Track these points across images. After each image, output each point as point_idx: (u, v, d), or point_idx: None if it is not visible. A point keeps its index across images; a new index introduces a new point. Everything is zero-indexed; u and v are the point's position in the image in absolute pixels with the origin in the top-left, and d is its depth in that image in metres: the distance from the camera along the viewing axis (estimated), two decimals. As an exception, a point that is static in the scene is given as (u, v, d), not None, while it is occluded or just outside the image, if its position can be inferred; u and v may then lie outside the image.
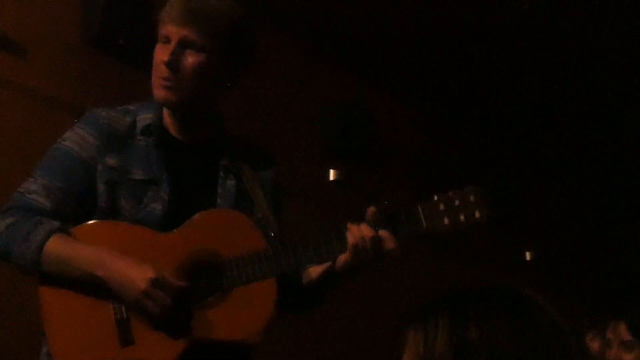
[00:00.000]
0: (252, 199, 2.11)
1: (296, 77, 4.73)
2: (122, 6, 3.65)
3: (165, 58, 2.01)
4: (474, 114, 5.58)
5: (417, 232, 1.97)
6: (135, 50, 3.60)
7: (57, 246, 1.95)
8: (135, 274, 1.90)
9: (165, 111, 2.12)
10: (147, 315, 1.91)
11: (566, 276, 6.03)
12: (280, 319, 2.07)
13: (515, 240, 6.03)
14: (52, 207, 2.01)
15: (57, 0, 3.73)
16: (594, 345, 3.10)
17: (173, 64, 2.00)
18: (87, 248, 1.97)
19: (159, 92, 2.04)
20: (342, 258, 1.97)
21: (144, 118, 2.10)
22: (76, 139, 2.07)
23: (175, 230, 2.00)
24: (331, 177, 4.82)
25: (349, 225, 1.97)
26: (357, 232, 1.94)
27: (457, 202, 1.97)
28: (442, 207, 1.97)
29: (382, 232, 1.95)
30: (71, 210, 2.03)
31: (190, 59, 2.01)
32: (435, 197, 1.98)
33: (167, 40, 2.03)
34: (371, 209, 1.98)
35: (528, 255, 6.15)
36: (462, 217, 1.96)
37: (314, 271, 2.10)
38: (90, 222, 2.02)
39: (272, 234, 2.05)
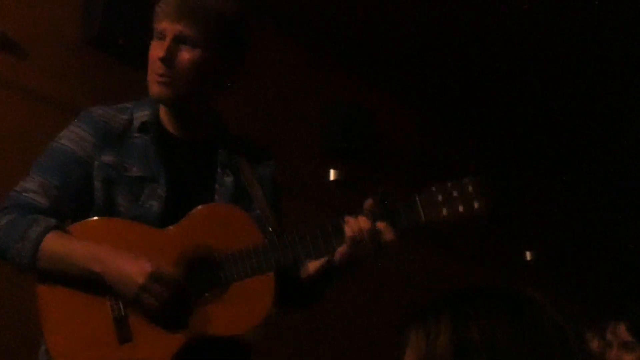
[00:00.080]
0: (250, 195, 2.10)
1: (296, 78, 4.73)
2: (122, 6, 3.66)
3: (161, 54, 2.00)
4: (473, 114, 5.58)
5: (415, 224, 1.96)
6: (135, 50, 3.59)
7: (53, 243, 1.94)
8: (132, 269, 1.89)
9: (161, 108, 2.12)
10: (145, 310, 1.90)
11: (566, 276, 6.03)
12: (280, 318, 2.07)
13: (516, 240, 6.03)
14: (49, 205, 2.00)
15: (57, 0, 3.73)
16: (593, 344, 3.10)
17: (168, 60, 2.00)
18: (83, 244, 1.96)
19: (154, 89, 2.04)
20: (341, 251, 1.96)
21: (141, 115, 2.10)
22: (72, 137, 2.06)
23: (172, 226, 2.00)
24: (331, 177, 4.83)
25: (346, 218, 1.96)
26: (355, 225, 1.93)
27: (455, 193, 1.95)
28: (440, 198, 1.95)
29: (380, 224, 1.94)
30: (68, 208, 2.03)
31: (186, 55, 2.01)
32: (434, 188, 1.96)
33: (162, 36, 2.03)
34: (369, 201, 1.96)
35: (528, 255, 6.16)
36: (460, 208, 1.95)
37: (313, 266, 2.09)
38: (87, 219, 2.02)
39: (271, 230, 2.04)
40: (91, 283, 1.93)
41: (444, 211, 1.95)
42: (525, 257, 6.15)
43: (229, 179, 2.11)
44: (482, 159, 5.70)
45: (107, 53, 3.77)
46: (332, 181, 4.84)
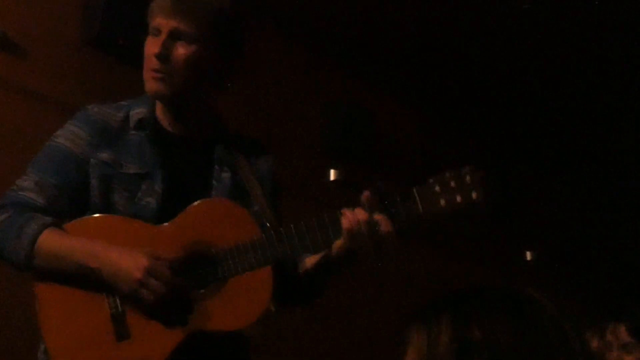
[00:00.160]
0: (248, 192, 2.10)
1: (296, 78, 4.73)
2: (122, 6, 3.65)
3: (156, 50, 2.00)
4: (474, 114, 5.58)
5: (413, 215, 1.94)
6: (135, 50, 3.57)
7: (49, 240, 1.94)
8: (128, 264, 1.88)
9: (158, 105, 2.11)
10: (143, 306, 1.90)
11: (566, 276, 6.03)
12: (280, 316, 2.06)
13: (516, 240, 6.03)
14: (45, 204, 2.00)
15: (57, 0, 3.73)
16: (593, 344, 3.10)
17: (163, 56, 1.99)
18: (80, 241, 1.96)
19: (150, 85, 2.03)
20: (338, 244, 1.95)
21: (137, 112, 2.09)
22: (68, 135, 2.06)
23: (169, 222, 1.99)
24: (332, 177, 4.83)
25: (343, 210, 1.94)
26: (352, 217, 1.92)
27: (453, 184, 1.93)
28: (438, 189, 1.94)
29: (377, 216, 1.92)
30: (64, 206, 2.02)
31: (181, 50, 2.00)
32: (431, 180, 1.95)
33: (157, 33, 2.02)
34: (366, 194, 1.95)
35: (528, 255, 6.16)
36: (458, 199, 1.93)
37: (311, 262, 2.09)
38: (84, 217, 2.02)
39: (269, 225, 2.03)
40: (88, 280, 1.93)
41: (442, 202, 1.93)
42: (526, 257, 6.15)
43: (226, 176, 2.10)
44: (482, 158, 5.70)
45: (107, 53, 3.77)
46: (332, 181, 4.84)
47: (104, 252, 1.92)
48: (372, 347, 4.61)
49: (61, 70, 3.69)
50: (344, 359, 4.61)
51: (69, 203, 2.02)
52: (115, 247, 1.93)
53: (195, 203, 2.00)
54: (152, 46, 2.02)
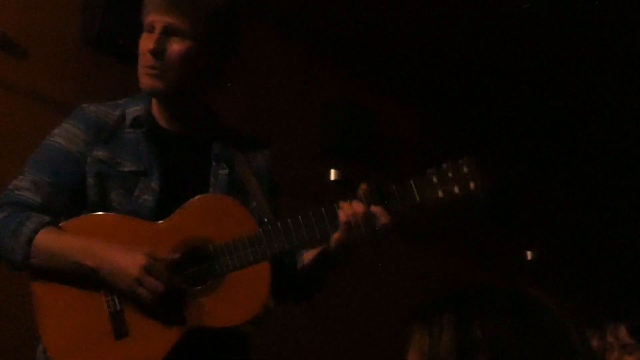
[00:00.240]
0: (246, 188, 2.09)
1: (297, 77, 4.73)
2: (122, 6, 3.65)
3: (150, 46, 2.00)
4: (474, 114, 5.58)
5: (410, 206, 1.94)
6: (135, 50, 3.59)
7: (46, 239, 1.94)
8: (125, 262, 1.88)
9: (154, 102, 2.11)
10: (140, 304, 1.90)
11: (567, 276, 6.03)
12: (279, 314, 2.06)
13: (516, 240, 6.03)
14: (42, 203, 2.00)
15: (57, 0, 3.73)
16: (593, 344, 3.10)
17: (158, 52, 2.00)
18: (76, 239, 1.95)
19: (145, 81, 2.03)
20: (336, 237, 1.95)
21: (133, 110, 2.10)
22: (64, 134, 2.06)
23: (166, 218, 1.99)
24: (332, 177, 4.83)
25: (341, 203, 1.95)
26: (349, 210, 1.92)
27: (450, 174, 1.94)
28: (435, 180, 1.94)
29: (375, 208, 1.93)
30: (61, 204, 2.02)
31: (175, 46, 2.00)
32: (429, 171, 1.96)
33: (151, 29, 2.02)
34: (363, 186, 1.96)
35: (529, 255, 6.16)
36: (456, 189, 1.94)
37: (309, 257, 2.09)
38: (81, 215, 2.01)
39: (266, 221, 2.03)
40: (86, 278, 1.92)
41: (440, 193, 1.94)
42: (526, 257, 6.15)
43: (223, 172, 2.10)
44: (482, 158, 5.69)
45: (107, 53, 3.77)
46: (333, 181, 4.83)
47: (101, 251, 1.92)
48: (372, 347, 4.61)
49: (61, 70, 3.69)
50: (343, 359, 4.61)
51: (65, 202, 2.02)
52: (113, 245, 1.92)
53: (193, 199, 2.00)
54: (146, 42, 2.03)
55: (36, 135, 2.15)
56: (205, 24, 2.01)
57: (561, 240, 6.29)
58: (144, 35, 2.05)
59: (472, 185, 1.94)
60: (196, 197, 2.01)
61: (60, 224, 1.99)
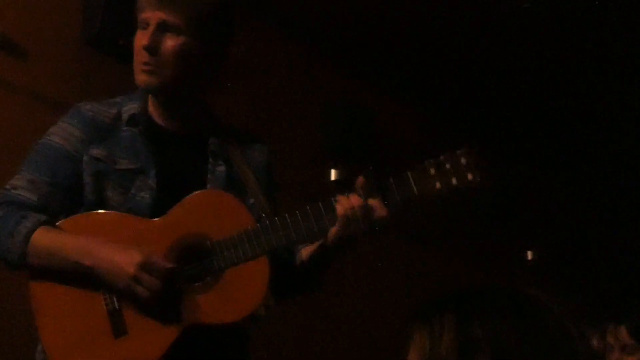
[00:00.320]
0: (244, 184, 2.09)
1: (297, 77, 4.73)
2: (122, 6, 3.65)
3: (145, 42, 2.00)
4: (474, 114, 5.58)
5: (408, 199, 1.93)
6: (135, 50, 3.59)
7: (43, 238, 1.94)
8: (122, 260, 1.88)
9: (150, 100, 2.11)
10: (138, 302, 1.89)
11: (567, 276, 6.03)
12: (279, 314, 2.05)
13: (517, 240, 6.03)
14: (39, 202, 2.00)
15: (57, 1, 3.73)
16: (593, 343, 3.10)
17: (152, 48, 2.00)
18: (73, 238, 1.95)
19: (140, 78, 2.03)
20: (334, 230, 1.94)
21: (129, 108, 2.09)
22: (60, 132, 2.06)
23: (163, 215, 1.98)
24: (332, 177, 4.82)
25: (338, 197, 1.94)
26: (347, 203, 1.92)
27: (448, 166, 1.93)
28: (432, 171, 1.93)
29: (372, 201, 1.92)
30: (58, 203, 2.02)
31: (170, 42, 2.00)
32: (426, 163, 1.95)
33: (146, 25, 2.02)
34: (360, 179, 1.95)
35: (529, 255, 6.15)
36: (454, 181, 1.92)
37: (307, 252, 2.08)
38: (78, 214, 2.01)
39: (264, 216, 2.02)
40: (83, 277, 1.92)
41: (438, 184, 1.93)
42: (527, 257, 6.14)
43: (221, 169, 2.10)
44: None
45: (107, 53, 3.77)
46: (333, 181, 4.83)
47: (98, 249, 1.92)
48: (372, 347, 4.61)
49: (61, 70, 3.69)
50: (343, 359, 4.61)
51: (62, 200, 2.02)
52: (109, 244, 1.92)
53: (190, 195, 1.99)
54: (141, 39, 2.03)
55: (36, 135, 2.15)
56: (199, 20, 2.01)
57: (561, 240, 6.29)
58: (139, 32, 2.05)
59: (470, 176, 1.93)
60: (194, 194, 2.00)
61: (57, 223, 1.99)
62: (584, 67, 4.94)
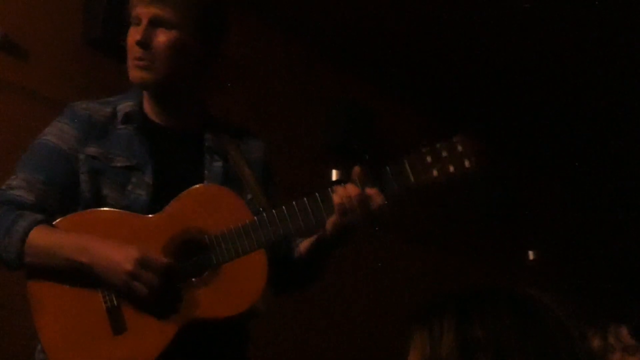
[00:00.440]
0: (241, 179, 2.08)
1: (298, 77, 4.73)
2: (124, 7, 3.65)
3: (137, 38, 2.00)
4: (475, 114, 5.57)
5: (405, 187, 1.92)
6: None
7: (39, 237, 1.93)
8: (119, 257, 1.88)
9: (145, 97, 2.11)
10: (137, 298, 1.89)
11: (568, 276, 6.02)
12: (280, 316, 2.05)
13: (518, 240, 6.03)
14: (35, 201, 1.99)
15: (58, 1, 3.73)
16: (594, 344, 3.10)
17: (145, 44, 2.00)
18: (69, 236, 1.95)
19: (133, 73, 2.03)
20: (331, 221, 1.94)
21: (124, 106, 2.09)
22: (55, 131, 2.06)
23: (160, 211, 1.98)
24: (333, 177, 4.82)
25: (335, 187, 1.94)
26: (344, 193, 1.91)
27: (445, 154, 1.93)
28: (429, 159, 1.93)
29: (369, 190, 1.91)
30: (55, 202, 2.02)
31: (162, 37, 2.00)
32: (422, 150, 1.94)
33: (138, 21, 2.03)
34: (356, 169, 1.95)
35: (531, 255, 6.15)
36: (451, 168, 1.92)
37: (305, 245, 2.08)
38: (75, 212, 2.01)
39: (261, 210, 2.01)
40: (81, 275, 1.92)
41: (434, 172, 1.92)
42: (528, 257, 6.15)
43: (217, 165, 2.10)
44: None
45: (108, 54, 3.77)
46: (335, 181, 4.83)
47: (95, 246, 1.91)
48: (372, 347, 4.61)
49: (62, 71, 3.69)
50: (343, 359, 4.61)
51: (59, 199, 2.02)
52: (106, 241, 1.92)
53: (187, 190, 1.99)
54: (133, 35, 2.03)
55: (36, 135, 2.15)
56: (191, 14, 2.01)
57: (563, 240, 6.29)
58: (131, 29, 2.05)
59: (467, 163, 1.92)
60: (190, 188, 2.00)
61: (54, 222, 1.98)
62: (584, 67, 4.94)
